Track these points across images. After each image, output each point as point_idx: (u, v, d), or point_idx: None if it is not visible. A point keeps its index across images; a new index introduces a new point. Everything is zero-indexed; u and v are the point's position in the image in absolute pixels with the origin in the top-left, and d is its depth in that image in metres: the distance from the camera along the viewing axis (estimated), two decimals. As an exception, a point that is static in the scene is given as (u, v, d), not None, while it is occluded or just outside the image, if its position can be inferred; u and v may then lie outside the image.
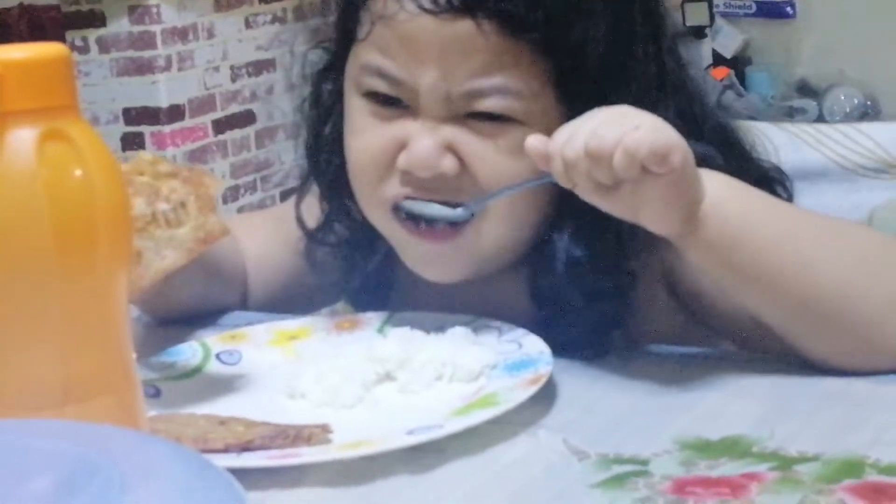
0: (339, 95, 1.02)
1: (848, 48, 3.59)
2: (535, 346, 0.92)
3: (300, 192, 1.09)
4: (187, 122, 2.65)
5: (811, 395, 0.85)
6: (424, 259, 0.99)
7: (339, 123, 1.02)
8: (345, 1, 0.99)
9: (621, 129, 0.82)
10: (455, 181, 0.94)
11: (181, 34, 2.63)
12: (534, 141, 0.87)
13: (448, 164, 0.94)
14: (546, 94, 0.93)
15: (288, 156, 2.92)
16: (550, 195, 0.95)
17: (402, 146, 0.95)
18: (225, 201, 2.76)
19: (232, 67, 2.78)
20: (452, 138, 0.94)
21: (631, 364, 0.94)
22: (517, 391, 0.85)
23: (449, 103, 0.93)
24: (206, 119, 2.70)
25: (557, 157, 0.85)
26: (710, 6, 3.77)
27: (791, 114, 3.60)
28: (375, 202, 0.98)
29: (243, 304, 1.15)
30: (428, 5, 0.91)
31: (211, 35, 2.71)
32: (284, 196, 2.92)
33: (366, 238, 1.05)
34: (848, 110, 3.56)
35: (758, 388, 0.87)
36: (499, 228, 0.96)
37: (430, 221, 0.96)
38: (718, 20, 3.77)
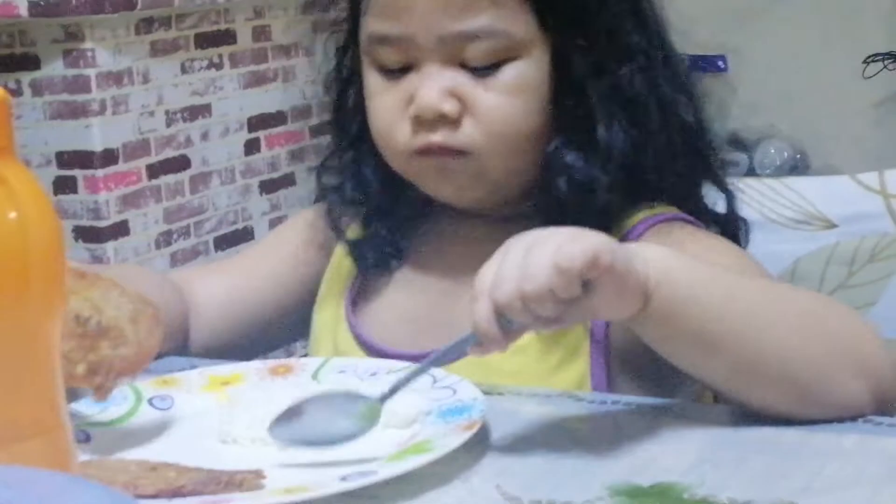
0: (357, 68, 1.12)
1: (778, 102, 3.65)
2: (469, 392, 0.93)
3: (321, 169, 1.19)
4: (121, 167, 2.63)
5: (742, 442, 0.86)
6: (441, 177, 1.07)
7: (359, 94, 1.12)
8: None
9: (549, 256, 0.82)
10: (458, 122, 1.04)
11: (116, 78, 2.62)
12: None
13: (449, 106, 1.03)
14: (530, 26, 1.03)
15: (222, 201, 2.91)
16: (546, 121, 1.05)
17: (411, 100, 1.05)
18: (158, 246, 2.74)
19: (167, 112, 2.76)
20: (453, 84, 1.04)
21: (565, 411, 0.94)
22: (451, 437, 0.85)
23: (444, 48, 1.03)
24: (141, 164, 2.69)
25: (485, 299, 0.84)
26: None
27: (722, 166, 3.63)
28: (394, 151, 1.08)
29: (184, 351, 1.16)
30: None
31: (146, 80, 2.70)
32: (218, 242, 2.90)
33: (378, 194, 1.14)
34: (778, 163, 3.61)
35: (691, 436, 0.88)
36: (499, 154, 1.04)
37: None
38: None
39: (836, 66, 3.56)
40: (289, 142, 3.10)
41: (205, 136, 2.85)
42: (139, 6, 2.61)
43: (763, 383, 0.88)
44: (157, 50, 2.73)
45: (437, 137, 1.04)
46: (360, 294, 1.16)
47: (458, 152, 1.05)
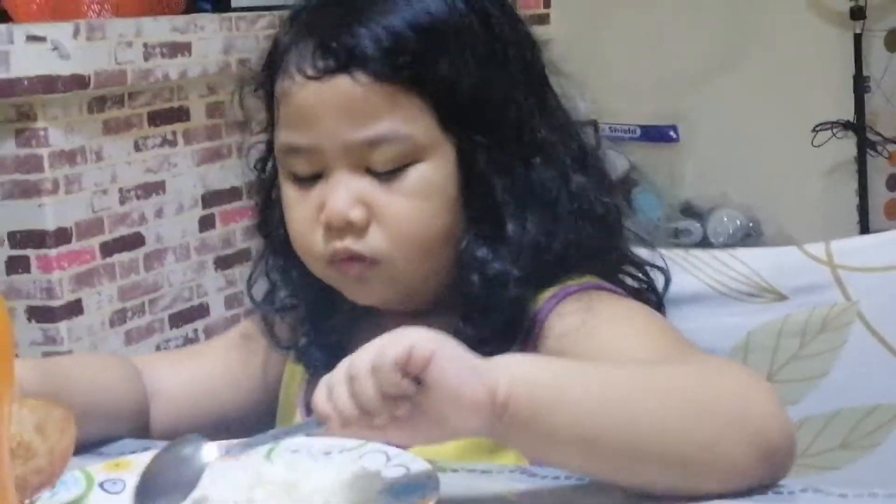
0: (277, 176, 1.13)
1: (730, 171, 3.69)
2: (422, 470, 0.92)
3: (254, 268, 1.21)
4: (74, 246, 2.61)
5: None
6: (358, 285, 1.09)
7: (280, 201, 1.13)
8: (265, 92, 1.13)
9: (370, 354, 0.84)
10: (365, 229, 1.06)
11: (69, 157, 2.61)
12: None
13: (357, 213, 1.06)
14: (432, 129, 1.05)
15: (177, 278, 2.90)
16: (456, 219, 1.07)
17: (322, 207, 1.07)
18: (112, 325, 2.72)
19: (121, 190, 2.75)
20: (360, 191, 1.06)
21: (518, 487, 0.94)
22: (404, 517, 0.84)
23: (350, 156, 1.05)
24: (94, 242, 2.67)
25: (322, 385, 0.87)
26: (596, 130, 3.84)
27: (676, 235, 3.66)
28: (312, 258, 1.10)
29: (143, 435, 1.15)
30: (311, 73, 1.05)
31: (99, 158, 2.69)
32: (174, 319, 2.89)
33: (311, 297, 1.15)
34: (731, 231, 3.64)
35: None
36: (408, 258, 1.07)
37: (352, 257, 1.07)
38: (604, 144, 3.83)
39: (785, 134, 3.61)
40: (243, 217, 3.09)
41: (159, 214, 2.84)
42: (92, 85, 2.61)
43: (648, 469, 0.88)
44: (109, 128, 2.73)
45: (346, 244, 1.06)
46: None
47: (371, 261, 1.06)
